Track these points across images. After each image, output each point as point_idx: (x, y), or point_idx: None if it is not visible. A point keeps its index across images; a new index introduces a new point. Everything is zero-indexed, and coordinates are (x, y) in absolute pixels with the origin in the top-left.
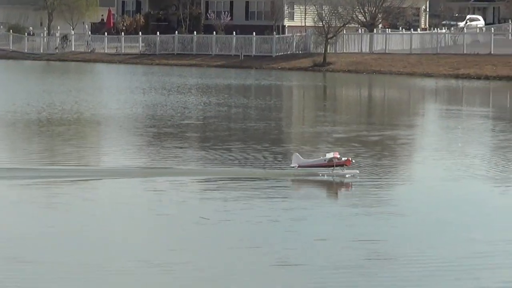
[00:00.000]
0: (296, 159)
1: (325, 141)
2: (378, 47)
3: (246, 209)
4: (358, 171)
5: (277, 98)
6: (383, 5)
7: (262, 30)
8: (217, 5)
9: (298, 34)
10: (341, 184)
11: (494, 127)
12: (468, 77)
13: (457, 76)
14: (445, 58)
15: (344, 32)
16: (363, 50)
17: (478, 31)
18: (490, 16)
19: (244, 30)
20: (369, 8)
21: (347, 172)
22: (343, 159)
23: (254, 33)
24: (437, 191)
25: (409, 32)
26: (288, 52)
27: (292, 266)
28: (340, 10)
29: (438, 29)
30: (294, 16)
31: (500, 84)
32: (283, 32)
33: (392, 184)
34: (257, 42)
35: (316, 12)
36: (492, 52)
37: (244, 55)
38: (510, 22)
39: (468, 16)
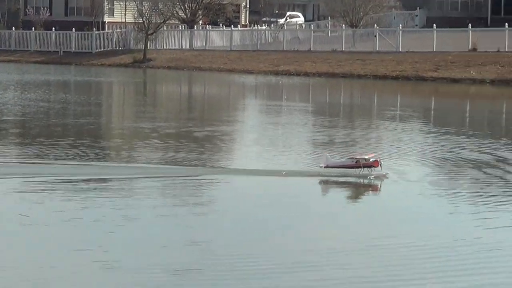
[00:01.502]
0: (326, 160)
1: (149, 137)
2: (198, 43)
3: (73, 209)
4: (387, 172)
5: (97, 94)
6: (204, 1)
7: (82, 26)
8: (36, 0)
9: (118, 30)
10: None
11: (315, 122)
12: (288, 73)
13: (277, 73)
14: (265, 55)
15: (165, 28)
16: (184, 47)
17: (298, 28)
18: (310, 13)
19: (64, 26)
20: (190, 4)
21: (376, 173)
22: (371, 160)
23: (73, 29)
24: (257, 187)
25: (229, 29)
26: (108, 49)
27: (117, 269)
28: (161, 7)
29: (258, 26)
30: (114, 12)
31: (319, 80)
32: (103, 28)
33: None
34: (77, 38)
35: (136, 8)
36: (311, 49)
37: (63, 51)
38: (329, 19)
39: (288, 13)
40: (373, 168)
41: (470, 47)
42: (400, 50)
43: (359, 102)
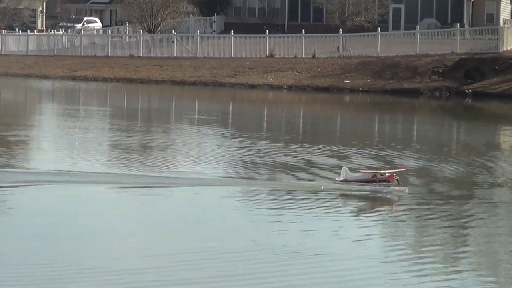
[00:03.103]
0: (345, 173)
1: None
2: None
3: None
4: (407, 188)
5: None
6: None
7: None
8: None
9: None
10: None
11: (112, 125)
12: (85, 78)
13: (74, 78)
14: (62, 60)
15: None
16: None
17: (95, 33)
18: (108, 18)
19: None
20: None
21: (398, 189)
22: (386, 174)
23: None
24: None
25: (26, 34)
26: None
27: None
28: None
29: (55, 30)
30: None
31: (117, 85)
32: None
33: None
34: None
35: None
36: (109, 54)
37: None
38: (127, 24)
39: (85, 18)
40: (389, 183)
41: (267, 53)
42: (198, 55)
43: (157, 107)
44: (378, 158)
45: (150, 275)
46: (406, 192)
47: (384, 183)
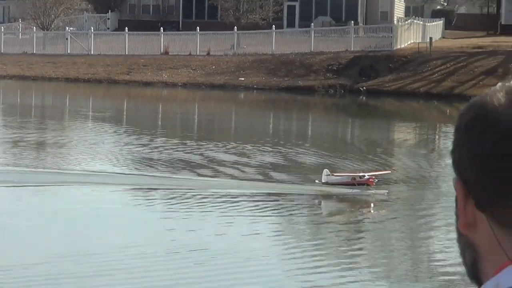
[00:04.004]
0: (326, 176)
1: None
2: None
3: None
4: (387, 191)
5: None
6: None
7: None
8: None
9: None
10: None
11: (4, 122)
12: None
13: None
14: None
15: None
16: None
17: None
18: (0, 14)
19: None
20: None
21: (377, 192)
22: (366, 177)
23: None
24: None
25: None
26: None
27: None
28: None
29: None
30: None
31: (10, 83)
32: None
33: None
34: None
35: None
36: (2, 51)
37: None
38: (20, 21)
39: None
40: (367, 186)
41: (162, 50)
42: (92, 53)
43: (51, 104)
44: (277, 155)
45: (31, 270)
46: (386, 194)
47: (363, 186)
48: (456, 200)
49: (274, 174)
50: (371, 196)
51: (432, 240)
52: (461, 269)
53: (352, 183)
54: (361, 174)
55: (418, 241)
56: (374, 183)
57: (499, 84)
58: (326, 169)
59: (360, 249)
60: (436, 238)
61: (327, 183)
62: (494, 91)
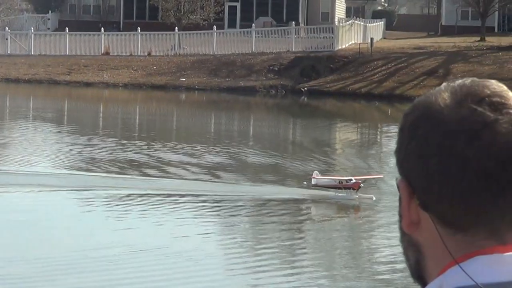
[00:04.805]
0: (316, 178)
1: None
2: None
3: None
4: (373, 196)
5: None
6: None
7: None
8: None
9: None
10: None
11: None
12: None
13: None
14: None
15: None
16: None
17: None
18: None
19: None
20: None
21: (363, 196)
22: (352, 181)
23: None
24: None
25: None
26: None
27: None
28: None
29: None
30: None
31: None
32: None
33: None
34: None
35: None
36: None
37: None
38: None
39: None
40: (353, 190)
41: (103, 51)
42: (32, 53)
43: None
44: (221, 155)
45: None
46: (373, 199)
47: (349, 190)
48: (400, 200)
49: (224, 175)
50: (356, 200)
51: (374, 239)
52: (402, 267)
53: (338, 187)
54: (348, 178)
55: (359, 240)
56: (359, 187)
57: (444, 84)
58: (316, 171)
59: (302, 249)
60: (378, 236)
61: (316, 185)
62: (439, 91)
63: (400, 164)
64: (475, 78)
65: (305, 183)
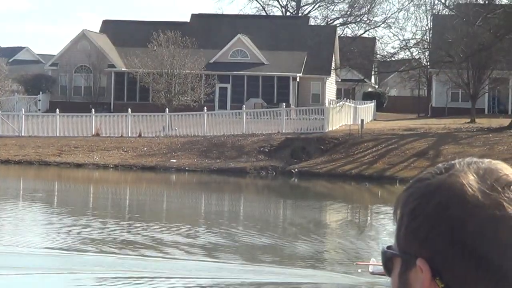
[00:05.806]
0: (373, 266)
1: None
2: None
3: None
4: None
5: None
6: None
7: None
8: None
9: None
10: None
11: None
12: None
13: None
14: None
15: None
16: None
17: None
18: None
19: None
20: None
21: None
22: None
23: None
24: None
25: None
26: None
27: None
28: None
29: None
30: None
31: None
32: None
33: None
34: None
35: None
36: None
37: None
38: None
39: None
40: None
41: (93, 132)
42: (23, 134)
43: None
44: (218, 234)
45: None
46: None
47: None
48: (399, 276)
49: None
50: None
51: None
52: None
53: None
54: None
55: None
56: None
57: (463, 162)
58: (373, 258)
59: None
60: None
61: (373, 273)
62: (464, 171)
63: (419, 244)
64: (491, 160)
65: (359, 270)
